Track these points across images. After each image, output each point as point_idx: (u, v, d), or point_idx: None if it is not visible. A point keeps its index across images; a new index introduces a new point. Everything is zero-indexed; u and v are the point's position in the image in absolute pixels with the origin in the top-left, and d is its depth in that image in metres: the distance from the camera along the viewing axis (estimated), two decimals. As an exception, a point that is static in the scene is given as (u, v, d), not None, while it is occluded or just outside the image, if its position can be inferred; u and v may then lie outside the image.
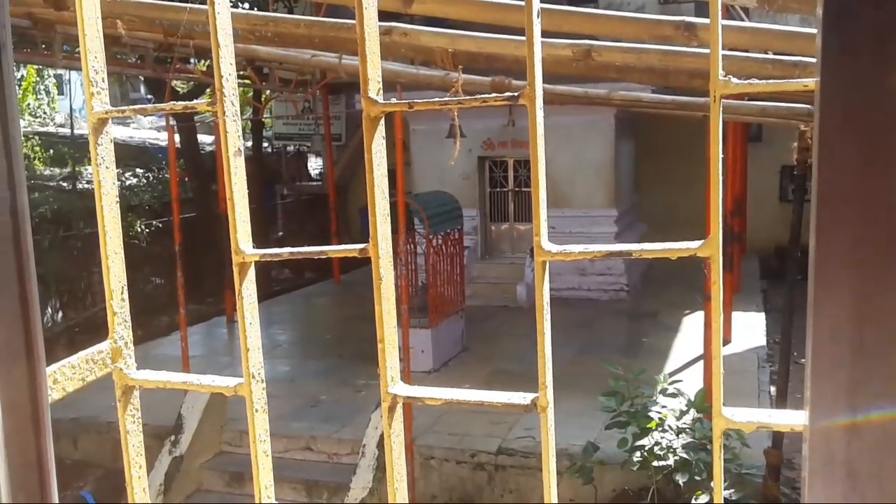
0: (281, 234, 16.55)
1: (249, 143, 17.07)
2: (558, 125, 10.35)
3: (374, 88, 0.94)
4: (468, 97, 0.89)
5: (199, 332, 10.95)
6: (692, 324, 10.15)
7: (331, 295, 13.38)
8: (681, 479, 5.83)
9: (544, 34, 3.24)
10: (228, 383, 1.03)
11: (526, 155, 11.75)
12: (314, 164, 20.17)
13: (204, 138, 16.49)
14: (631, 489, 6.66)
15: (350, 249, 0.98)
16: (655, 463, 5.85)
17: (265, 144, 17.03)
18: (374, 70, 0.95)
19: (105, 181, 1.04)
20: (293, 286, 14.22)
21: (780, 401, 5.76)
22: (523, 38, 2.96)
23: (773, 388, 8.46)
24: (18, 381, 0.84)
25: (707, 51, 2.73)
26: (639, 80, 3.56)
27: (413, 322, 7.94)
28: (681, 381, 6.39)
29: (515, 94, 0.88)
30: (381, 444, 6.86)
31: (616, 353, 8.70)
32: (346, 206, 15.73)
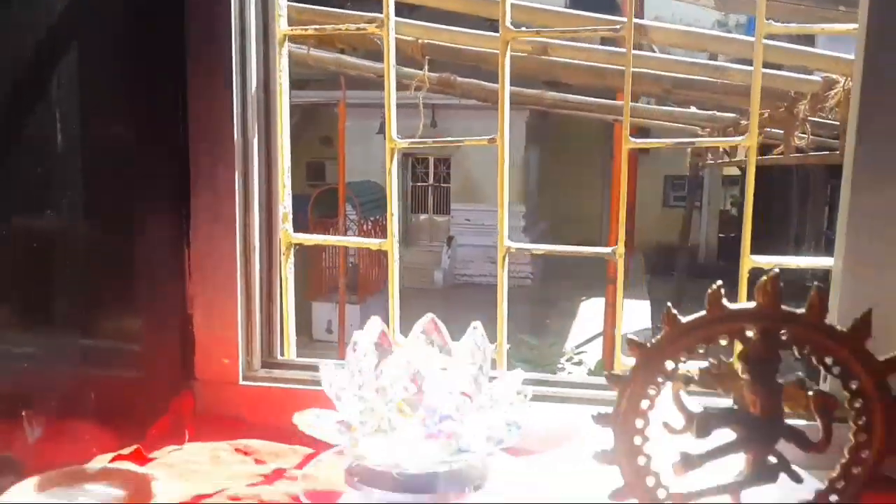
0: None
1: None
2: (474, 128, 10.64)
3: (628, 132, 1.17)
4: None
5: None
6: (587, 309, 10.65)
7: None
8: (583, 436, 6.22)
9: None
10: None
11: (445, 153, 12.04)
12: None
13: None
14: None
15: (600, 253, 1.20)
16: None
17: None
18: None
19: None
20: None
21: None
22: (490, 32, 3.23)
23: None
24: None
25: (652, 54, 3.07)
26: (579, 79, 3.87)
27: (344, 299, 8.10)
28: (584, 351, 6.81)
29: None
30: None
31: (524, 332, 9.07)
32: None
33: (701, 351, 0.59)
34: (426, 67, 3.96)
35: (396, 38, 3.61)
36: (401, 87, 4.85)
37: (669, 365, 0.59)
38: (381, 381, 0.65)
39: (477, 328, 0.70)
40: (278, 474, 0.88)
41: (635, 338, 0.60)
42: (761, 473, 0.58)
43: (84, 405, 0.93)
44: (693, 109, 5.44)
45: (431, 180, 12.40)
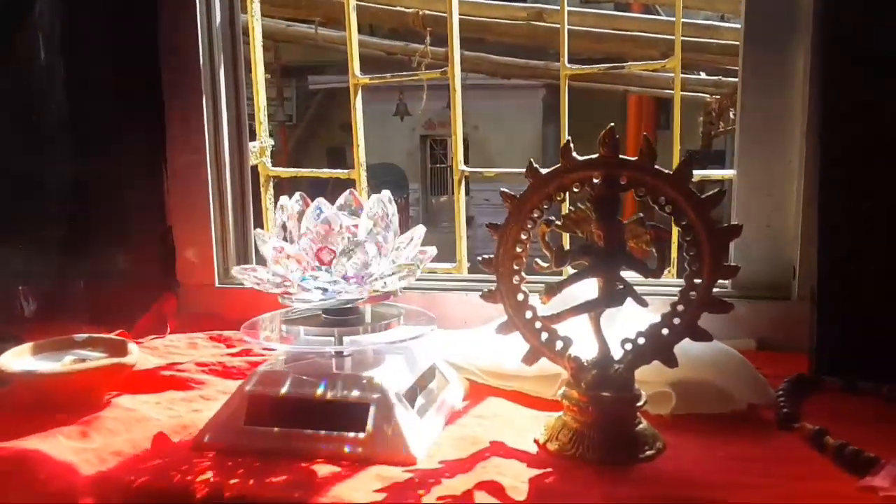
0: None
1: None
2: (491, 108, 10.75)
3: None
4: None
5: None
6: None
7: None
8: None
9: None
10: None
11: (463, 134, 12.11)
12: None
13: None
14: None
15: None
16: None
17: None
18: None
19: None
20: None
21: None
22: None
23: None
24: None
25: (643, 16, 3.18)
26: (575, 46, 3.95)
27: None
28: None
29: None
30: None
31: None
32: (298, 179, 15.84)
33: (560, 198, 0.71)
34: (428, 40, 4.08)
35: (395, 10, 3.73)
36: (406, 63, 4.91)
37: (536, 212, 0.72)
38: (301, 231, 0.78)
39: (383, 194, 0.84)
40: (245, 353, 1.02)
41: (507, 190, 0.72)
42: (611, 297, 0.70)
43: (79, 307, 1.07)
44: (702, 75, 5.51)
45: (450, 161, 12.47)
